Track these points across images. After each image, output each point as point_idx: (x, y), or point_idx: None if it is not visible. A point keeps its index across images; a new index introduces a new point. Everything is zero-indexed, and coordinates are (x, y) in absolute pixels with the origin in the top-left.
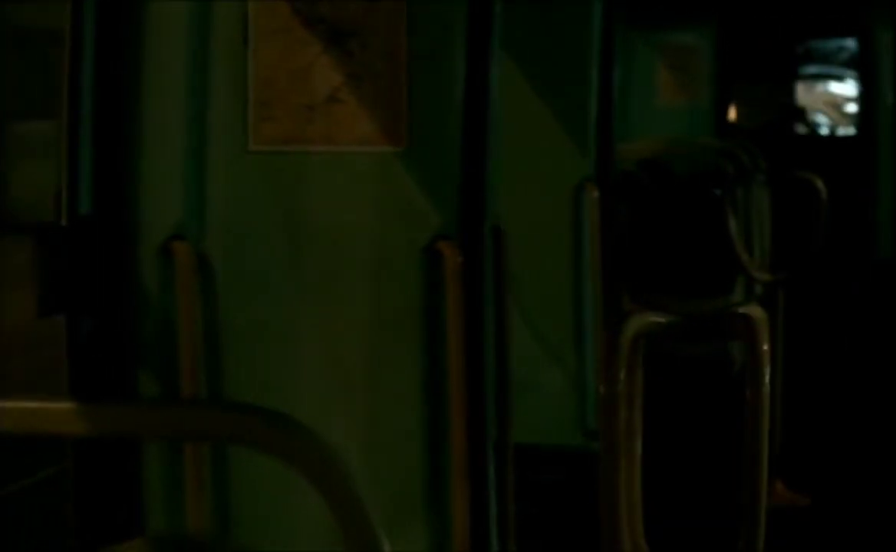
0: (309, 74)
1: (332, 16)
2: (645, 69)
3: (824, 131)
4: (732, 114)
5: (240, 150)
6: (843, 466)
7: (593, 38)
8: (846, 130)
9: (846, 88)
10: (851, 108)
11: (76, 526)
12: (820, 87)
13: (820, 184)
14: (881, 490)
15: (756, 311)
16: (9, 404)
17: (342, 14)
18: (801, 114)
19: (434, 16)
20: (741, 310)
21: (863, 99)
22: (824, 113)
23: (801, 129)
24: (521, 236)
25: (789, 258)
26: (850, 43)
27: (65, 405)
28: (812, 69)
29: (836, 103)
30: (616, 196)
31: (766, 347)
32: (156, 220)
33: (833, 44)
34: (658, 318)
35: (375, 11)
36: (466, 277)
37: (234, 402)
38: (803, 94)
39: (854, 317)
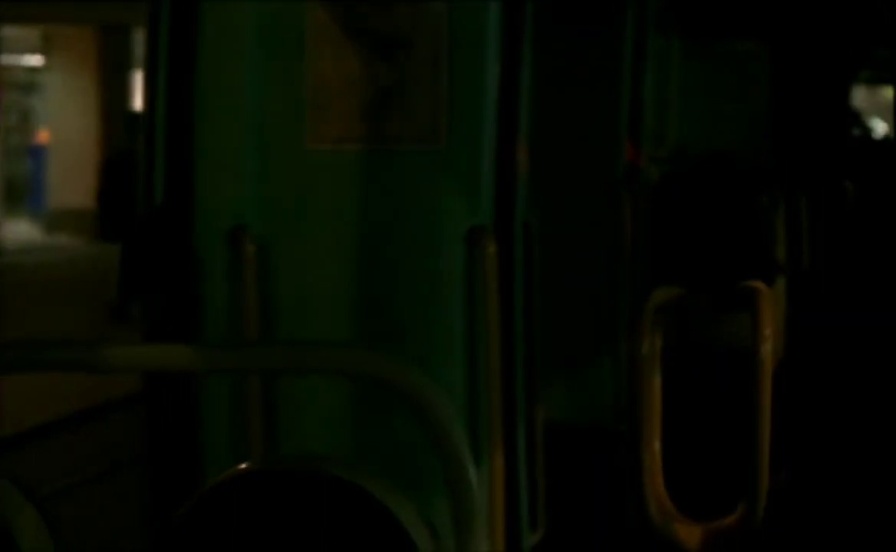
0: (359, 80)
1: (381, 28)
2: (701, 76)
3: (879, 135)
4: (788, 118)
5: (297, 148)
6: (846, 456)
7: (626, 50)
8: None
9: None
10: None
11: (148, 462)
12: (875, 91)
13: (848, 186)
14: (881, 478)
15: (761, 286)
16: (174, 346)
17: (389, 27)
18: (856, 118)
19: (472, 28)
20: (749, 284)
21: None
22: (879, 117)
23: (856, 132)
24: (570, 231)
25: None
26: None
27: (216, 347)
28: (867, 74)
29: (890, 108)
30: (659, 197)
31: (767, 318)
32: (222, 212)
33: (887, 50)
34: (677, 291)
35: (419, 25)
36: (501, 265)
37: (359, 344)
38: (858, 98)
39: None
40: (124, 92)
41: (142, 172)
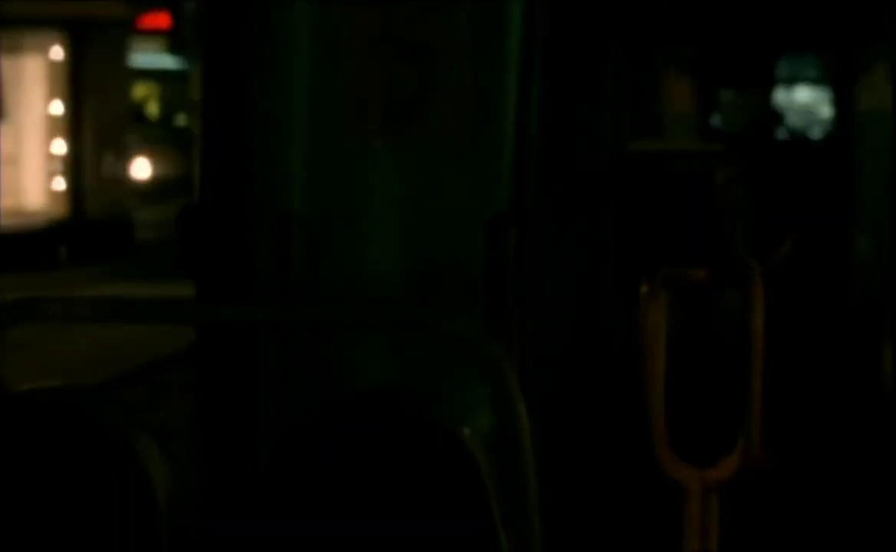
0: (390, 83)
1: (408, 36)
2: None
3: (800, 135)
4: (716, 119)
5: (339, 144)
6: (818, 435)
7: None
8: (819, 134)
9: (820, 96)
10: (824, 113)
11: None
12: (796, 94)
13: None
14: (853, 456)
15: (753, 263)
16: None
17: (416, 35)
18: (778, 119)
19: (493, 37)
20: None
21: (836, 106)
22: (800, 118)
23: (779, 133)
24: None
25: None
26: (823, 56)
27: (302, 306)
28: (789, 78)
29: (810, 110)
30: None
31: (759, 290)
32: (271, 199)
33: (809, 56)
34: (681, 271)
35: (444, 34)
36: (518, 246)
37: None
38: (781, 100)
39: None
40: None
41: (199, 165)
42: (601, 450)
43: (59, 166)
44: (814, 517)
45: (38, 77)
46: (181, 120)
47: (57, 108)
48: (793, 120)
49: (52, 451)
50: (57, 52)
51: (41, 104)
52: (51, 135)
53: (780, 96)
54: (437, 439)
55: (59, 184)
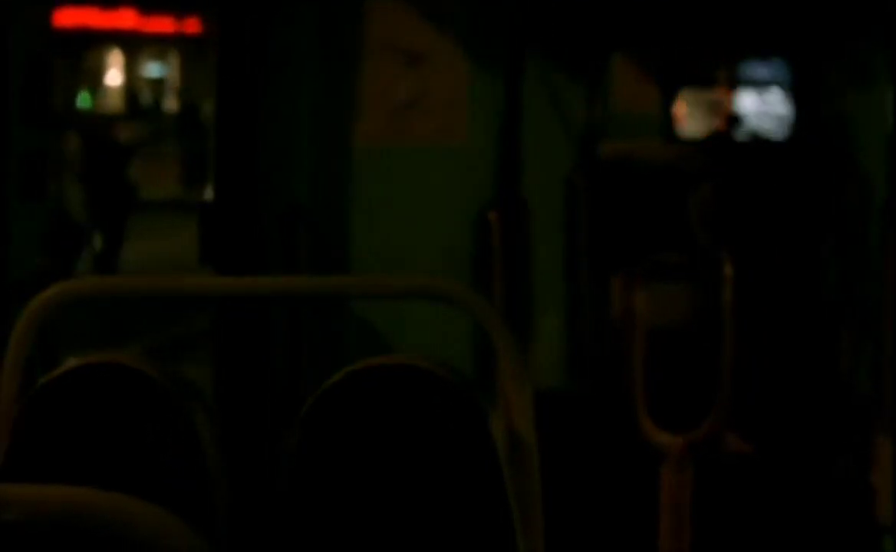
0: (393, 88)
1: (410, 44)
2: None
3: (762, 136)
4: (678, 121)
5: (342, 144)
6: (783, 421)
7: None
8: (780, 136)
9: (780, 99)
10: (784, 116)
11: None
12: (758, 97)
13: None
14: (814, 440)
15: (723, 253)
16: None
17: (417, 43)
18: (740, 121)
19: (485, 47)
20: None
21: (797, 109)
22: (761, 120)
23: (740, 135)
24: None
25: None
26: (784, 60)
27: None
28: (750, 81)
29: (772, 112)
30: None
31: (730, 272)
32: (281, 195)
33: (769, 61)
34: (658, 257)
35: (442, 42)
36: (504, 234)
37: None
38: (743, 103)
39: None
40: None
41: (213, 165)
42: (589, 423)
43: None
44: (774, 491)
45: None
46: None
47: None
48: (755, 121)
49: (110, 418)
50: None
51: None
52: None
53: (744, 98)
54: (459, 411)
55: None
